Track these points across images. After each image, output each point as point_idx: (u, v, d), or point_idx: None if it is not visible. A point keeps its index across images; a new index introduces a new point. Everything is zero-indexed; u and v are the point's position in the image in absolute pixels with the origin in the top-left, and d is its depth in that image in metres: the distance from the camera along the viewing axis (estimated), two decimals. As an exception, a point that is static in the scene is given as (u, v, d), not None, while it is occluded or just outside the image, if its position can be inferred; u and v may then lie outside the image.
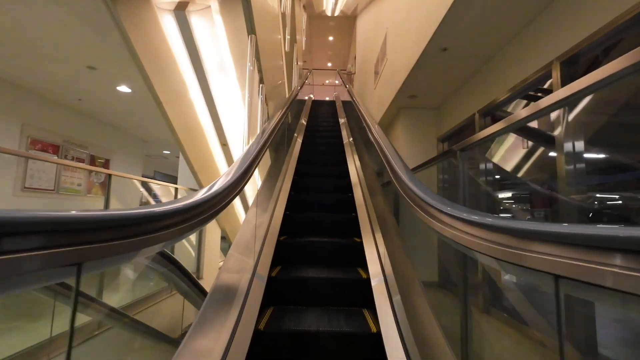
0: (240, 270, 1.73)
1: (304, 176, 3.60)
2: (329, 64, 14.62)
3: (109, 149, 6.83)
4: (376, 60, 6.73)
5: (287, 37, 5.34)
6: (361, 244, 2.29)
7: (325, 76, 14.93)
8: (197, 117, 3.71)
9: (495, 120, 3.69)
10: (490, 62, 3.55)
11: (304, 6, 9.59)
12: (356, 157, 4.15)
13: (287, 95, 6.15)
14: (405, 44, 4.28)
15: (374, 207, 2.66)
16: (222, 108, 3.53)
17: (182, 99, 3.58)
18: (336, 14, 10.78)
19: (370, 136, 2.67)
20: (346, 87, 6.12)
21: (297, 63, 7.96)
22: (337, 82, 14.70)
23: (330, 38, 12.87)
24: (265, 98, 3.58)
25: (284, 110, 3.15)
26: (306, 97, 9.04)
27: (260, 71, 3.20)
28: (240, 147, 4.57)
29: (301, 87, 6.12)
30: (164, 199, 5.73)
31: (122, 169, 7.27)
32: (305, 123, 6.11)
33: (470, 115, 4.06)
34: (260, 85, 3.26)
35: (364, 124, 3.05)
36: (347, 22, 11.29)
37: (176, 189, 4.59)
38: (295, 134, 4.99)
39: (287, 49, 5.27)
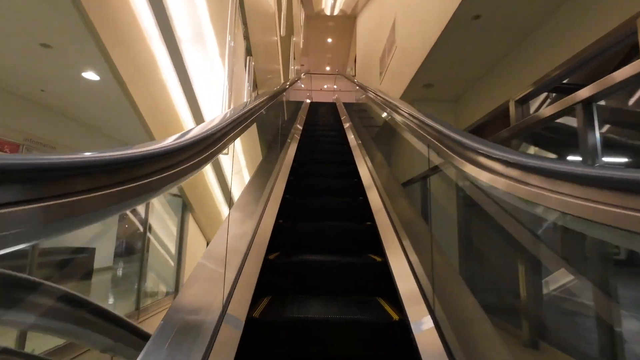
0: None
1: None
2: (328, 68, 14.07)
3: (82, 151, 6.08)
4: (381, 53, 6.12)
5: (283, 19, 4.70)
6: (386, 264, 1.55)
7: (323, 81, 14.38)
8: (171, 101, 3.00)
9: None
10: (535, 33, 2.88)
11: (301, 1, 9.05)
12: (369, 161, 3.44)
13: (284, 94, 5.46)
14: (423, 20, 3.64)
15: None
16: (200, 90, 2.83)
17: (151, 77, 2.88)
18: (335, 12, 10.26)
19: (399, 117, 1.99)
20: (354, 82, 5.48)
21: (294, 58, 7.34)
22: (335, 86, 14.15)
23: (329, 40, 12.35)
24: (255, 79, 2.89)
25: (281, 87, 2.45)
26: (302, 101, 8.32)
27: (247, 38, 2.52)
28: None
29: (296, 81, 5.45)
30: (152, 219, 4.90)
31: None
32: (301, 127, 5.24)
33: (500, 105, 3.39)
34: (248, 57, 2.58)
35: (388, 109, 2.37)
36: (347, 22, 10.77)
37: (148, 192, 3.88)
38: (289, 140, 4.21)
39: (282, 33, 4.63)
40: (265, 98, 2.18)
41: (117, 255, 6.80)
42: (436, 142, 1.27)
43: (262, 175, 2.51)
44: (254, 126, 3.90)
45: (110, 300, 4.66)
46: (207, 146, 1.03)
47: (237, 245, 1.57)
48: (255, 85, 3.06)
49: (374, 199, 2.33)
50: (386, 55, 5.60)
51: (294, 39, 8.60)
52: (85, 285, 5.49)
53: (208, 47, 2.55)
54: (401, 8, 4.84)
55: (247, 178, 2.92)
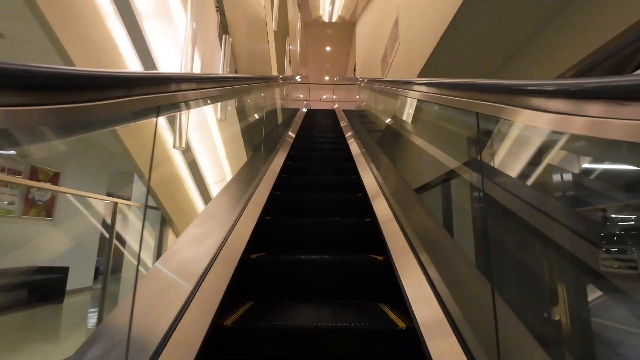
0: None
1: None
2: (326, 78, 13.75)
3: (59, 160, 5.60)
4: (383, 54, 5.71)
5: (275, 11, 4.28)
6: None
7: (322, 91, 14.06)
8: None
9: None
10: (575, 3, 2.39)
11: (298, 4, 8.75)
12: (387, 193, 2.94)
13: (277, 101, 4.99)
14: (432, 2, 3.19)
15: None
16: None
17: (112, 65, 2.39)
18: (334, 19, 9.96)
19: (418, 94, 1.53)
20: (357, 79, 5.03)
21: (289, 62, 6.94)
22: (334, 96, 13.85)
23: (328, 48, 12.06)
24: (236, 67, 2.42)
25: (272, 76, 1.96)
26: (298, 108, 7.74)
27: (221, 12, 2.05)
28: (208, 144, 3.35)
29: (290, 79, 4.99)
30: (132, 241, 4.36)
31: (77, 186, 6.00)
32: (294, 135, 4.45)
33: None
34: (225, 36, 2.11)
35: (410, 90, 1.91)
36: (346, 29, 10.48)
37: (115, 204, 3.33)
38: (279, 146, 3.61)
39: (275, 27, 4.20)
40: (245, 76, 1.70)
41: (101, 273, 6.18)
42: (490, 103, 0.77)
43: (235, 187, 1.99)
44: (239, 131, 3.42)
45: (85, 327, 4.09)
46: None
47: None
48: (235, 72, 2.58)
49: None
50: (388, 54, 5.18)
51: (290, 47, 8.25)
52: (52, 310, 4.89)
53: (175, 22, 2.08)
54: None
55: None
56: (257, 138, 2.98)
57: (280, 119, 4.73)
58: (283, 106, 5.79)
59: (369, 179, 2.52)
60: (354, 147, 3.72)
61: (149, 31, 2.11)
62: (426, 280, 1.17)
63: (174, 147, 1.82)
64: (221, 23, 2.12)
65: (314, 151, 3.73)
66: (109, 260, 3.19)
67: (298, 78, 6.12)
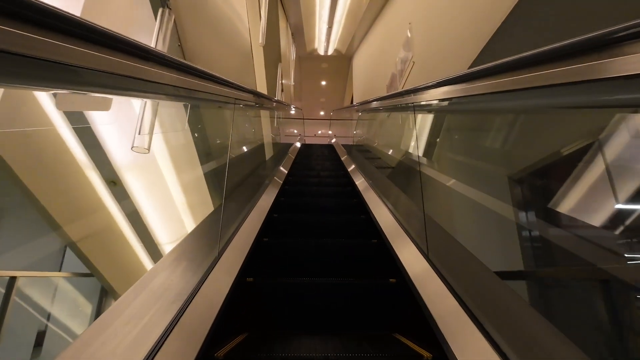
0: None
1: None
2: (322, 113, 13.19)
3: (-6, 206, 4.52)
4: (390, 79, 4.98)
5: (263, 26, 3.52)
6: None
7: (317, 126, 13.47)
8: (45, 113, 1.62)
9: None
10: None
11: (292, 34, 8.25)
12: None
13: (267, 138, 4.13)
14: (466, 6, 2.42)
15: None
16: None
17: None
18: (330, 52, 9.49)
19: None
20: (357, 104, 4.25)
21: (282, 91, 6.22)
22: (330, 132, 13.28)
23: (323, 83, 11.58)
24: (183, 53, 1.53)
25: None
26: (292, 143, 6.83)
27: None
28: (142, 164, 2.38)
29: (285, 104, 4.17)
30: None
31: (14, 244, 4.84)
32: (286, 171, 3.65)
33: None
34: (163, 9, 1.23)
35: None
36: (342, 62, 10.03)
37: (10, 280, 2.24)
38: (267, 184, 2.70)
39: (262, 41, 3.42)
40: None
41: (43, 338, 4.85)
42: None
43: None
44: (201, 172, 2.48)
45: None
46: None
47: None
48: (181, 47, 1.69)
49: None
50: (397, 79, 4.42)
51: (284, 81, 7.64)
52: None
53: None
54: (420, 12, 3.73)
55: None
56: (229, 182, 2.01)
57: (269, 154, 3.82)
58: (274, 140, 4.95)
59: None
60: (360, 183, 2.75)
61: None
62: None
63: None
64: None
65: (311, 211, 2.73)
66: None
67: (293, 108, 5.34)
